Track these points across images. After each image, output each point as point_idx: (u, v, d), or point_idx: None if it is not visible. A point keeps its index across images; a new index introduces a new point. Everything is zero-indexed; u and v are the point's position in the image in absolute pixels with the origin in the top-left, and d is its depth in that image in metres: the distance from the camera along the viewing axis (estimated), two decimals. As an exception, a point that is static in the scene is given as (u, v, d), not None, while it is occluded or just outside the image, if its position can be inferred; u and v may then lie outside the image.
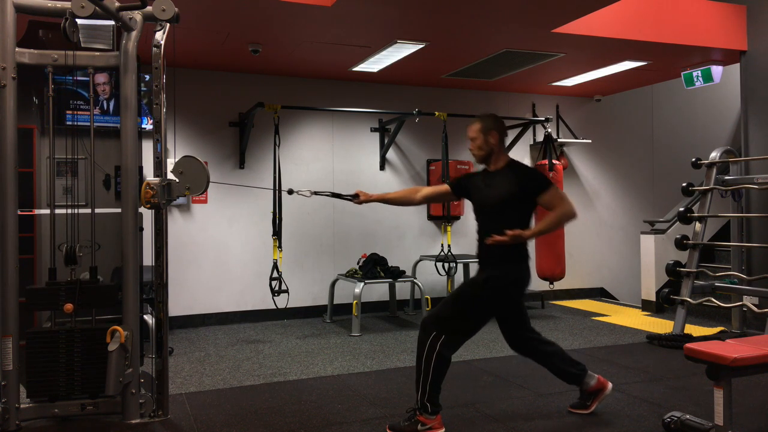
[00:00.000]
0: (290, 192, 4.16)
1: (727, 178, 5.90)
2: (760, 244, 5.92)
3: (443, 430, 3.24)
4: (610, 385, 3.58)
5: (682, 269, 5.67)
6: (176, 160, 3.43)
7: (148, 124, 5.28)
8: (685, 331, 5.45)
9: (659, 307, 6.82)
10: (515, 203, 3.27)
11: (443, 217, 6.57)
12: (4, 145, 3.29)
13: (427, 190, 3.70)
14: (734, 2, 6.30)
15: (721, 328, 5.91)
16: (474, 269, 7.38)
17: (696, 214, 5.78)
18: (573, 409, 3.58)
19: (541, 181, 3.28)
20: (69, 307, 3.32)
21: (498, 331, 5.83)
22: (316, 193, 3.98)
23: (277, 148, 5.80)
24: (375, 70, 6.50)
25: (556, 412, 3.58)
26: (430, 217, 7.35)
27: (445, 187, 3.67)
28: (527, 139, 7.76)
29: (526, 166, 3.44)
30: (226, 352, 5.24)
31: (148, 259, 3.64)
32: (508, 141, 7.55)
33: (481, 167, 3.49)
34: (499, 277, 3.25)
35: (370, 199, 3.68)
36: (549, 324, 6.35)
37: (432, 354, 3.14)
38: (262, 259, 6.53)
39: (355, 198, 3.67)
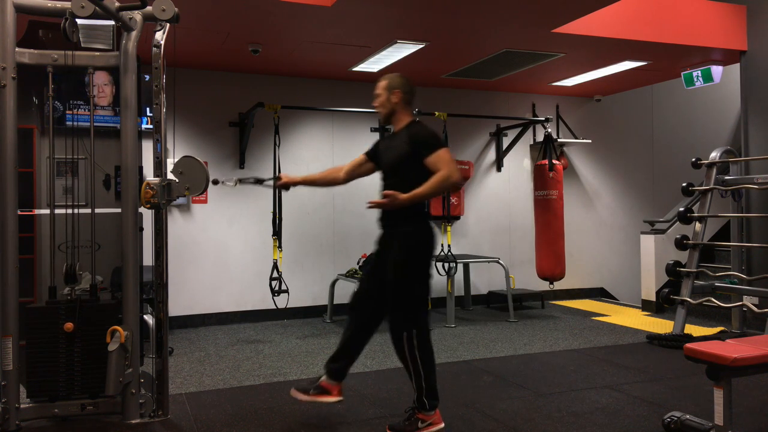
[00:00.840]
0: (215, 182, 3.67)
1: (727, 178, 5.90)
2: (760, 244, 5.92)
3: (442, 425, 3.22)
4: (337, 399, 3.38)
5: (682, 269, 5.67)
6: (176, 160, 3.43)
7: (148, 124, 5.28)
8: (685, 331, 5.45)
9: (659, 307, 6.82)
10: (408, 165, 3.16)
11: (443, 217, 6.57)
12: (4, 145, 3.29)
13: (347, 166, 3.55)
14: (734, 2, 6.30)
15: (721, 328, 5.91)
16: (474, 269, 7.43)
17: (696, 214, 5.78)
18: (297, 391, 3.41)
19: (431, 142, 3.14)
20: (69, 326, 3.33)
21: (498, 331, 5.80)
22: (240, 181, 3.70)
23: (277, 148, 5.80)
24: (375, 70, 6.50)
25: (556, 412, 3.58)
26: (430, 217, 7.34)
27: (361, 156, 3.54)
28: (527, 139, 7.76)
29: (422, 128, 3.25)
30: (226, 352, 5.24)
31: (148, 259, 3.64)
32: (507, 141, 7.63)
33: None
34: (406, 234, 3.16)
35: (292, 182, 3.55)
36: (549, 324, 6.35)
37: (418, 350, 3.14)
38: (262, 259, 6.53)
39: (278, 181, 3.56)
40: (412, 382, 3.20)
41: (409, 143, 3.18)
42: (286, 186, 3.61)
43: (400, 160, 3.21)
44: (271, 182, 3.64)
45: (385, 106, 3.29)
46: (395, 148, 3.26)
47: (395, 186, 3.12)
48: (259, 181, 3.69)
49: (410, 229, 3.21)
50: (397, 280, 3.17)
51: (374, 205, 3.11)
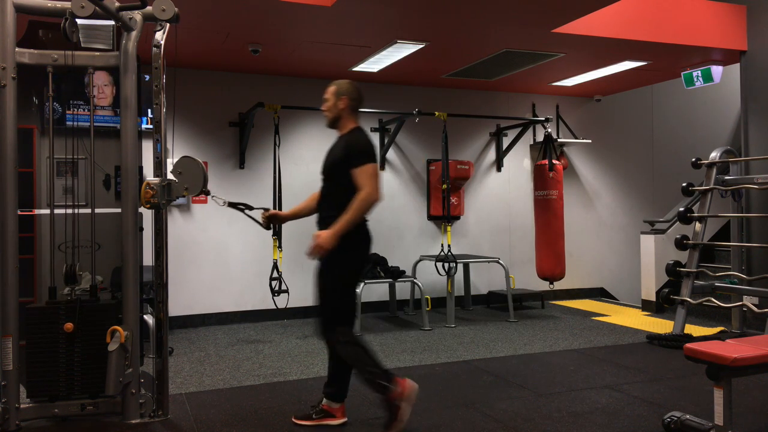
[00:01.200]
0: (207, 193, 3.56)
1: (727, 178, 5.90)
2: (760, 244, 5.92)
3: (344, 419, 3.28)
4: (343, 420, 3.39)
5: (682, 269, 5.67)
6: (175, 160, 3.43)
7: (148, 124, 5.27)
8: (685, 331, 5.45)
9: (659, 307, 6.81)
10: (342, 171, 3.21)
11: (443, 217, 6.57)
12: (4, 145, 3.29)
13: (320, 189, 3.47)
14: (734, 2, 6.31)
15: (721, 328, 5.91)
16: (474, 269, 7.43)
17: (696, 214, 5.78)
18: (298, 420, 3.42)
19: (358, 155, 3.18)
20: (69, 326, 3.33)
21: (498, 331, 5.81)
22: (230, 204, 3.59)
23: (277, 148, 5.80)
24: (375, 70, 6.50)
25: (556, 412, 3.58)
26: (430, 217, 7.35)
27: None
28: (527, 139, 7.76)
29: (361, 136, 3.30)
30: (226, 352, 5.24)
31: (148, 259, 3.64)
32: (507, 141, 7.63)
33: None
34: (343, 243, 3.16)
35: (278, 218, 3.56)
36: (549, 324, 6.35)
37: (352, 345, 3.19)
38: (262, 259, 6.53)
39: (265, 212, 3.49)
40: (363, 378, 3.22)
41: (344, 149, 3.27)
42: (270, 221, 3.53)
43: (334, 165, 3.29)
44: (258, 213, 3.55)
45: (332, 111, 3.39)
46: (333, 153, 3.36)
47: (330, 190, 3.26)
48: (248, 208, 3.60)
49: (349, 233, 3.21)
50: (323, 283, 3.28)
51: (312, 256, 3.18)
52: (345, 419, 3.40)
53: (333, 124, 3.42)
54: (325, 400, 3.42)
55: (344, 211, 3.13)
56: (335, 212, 3.17)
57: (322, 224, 3.28)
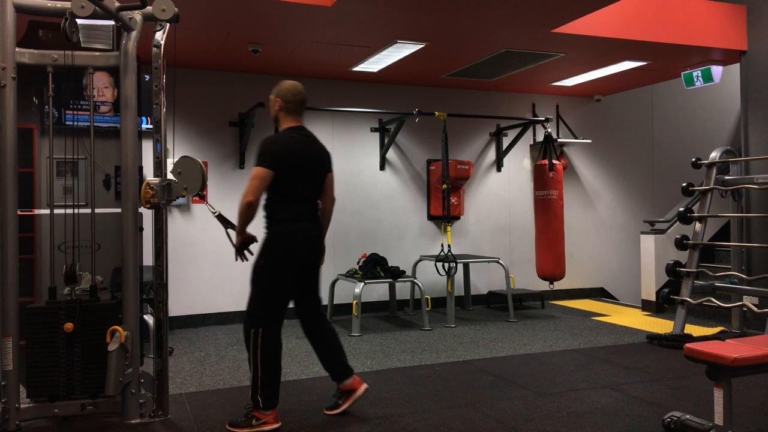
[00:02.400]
0: (202, 197, 3.69)
1: (727, 178, 5.90)
2: (760, 244, 5.92)
3: (277, 425, 3.31)
4: (364, 386, 3.59)
5: (682, 269, 5.67)
6: (175, 160, 3.43)
7: (148, 124, 5.28)
8: (685, 331, 5.45)
9: (659, 307, 6.82)
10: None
11: (443, 217, 6.57)
12: (4, 145, 3.29)
13: None
14: (734, 2, 6.31)
15: (721, 328, 5.91)
16: (474, 269, 7.43)
17: (696, 214, 5.78)
18: (329, 411, 3.58)
19: (257, 155, 3.33)
20: (69, 326, 3.33)
21: (498, 331, 5.81)
22: (218, 217, 3.63)
23: (277, 148, 5.78)
24: (375, 70, 6.50)
25: (556, 412, 3.58)
26: (430, 217, 7.35)
27: None
28: (527, 139, 7.76)
29: (266, 138, 3.42)
30: (226, 352, 5.24)
31: (148, 259, 3.64)
32: (507, 141, 7.63)
33: None
34: (263, 240, 3.41)
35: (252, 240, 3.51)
36: (549, 324, 6.35)
37: (256, 349, 3.27)
38: (262, 259, 6.52)
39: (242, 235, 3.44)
40: (251, 380, 3.34)
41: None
42: (246, 243, 3.48)
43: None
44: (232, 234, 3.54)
45: (271, 111, 3.51)
46: None
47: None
48: (231, 227, 3.56)
49: (265, 236, 3.44)
50: (251, 280, 3.46)
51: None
52: (365, 385, 3.59)
53: (274, 122, 3.55)
54: (338, 383, 3.57)
55: (264, 214, 3.40)
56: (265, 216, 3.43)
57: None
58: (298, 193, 3.39)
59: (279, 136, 3.47)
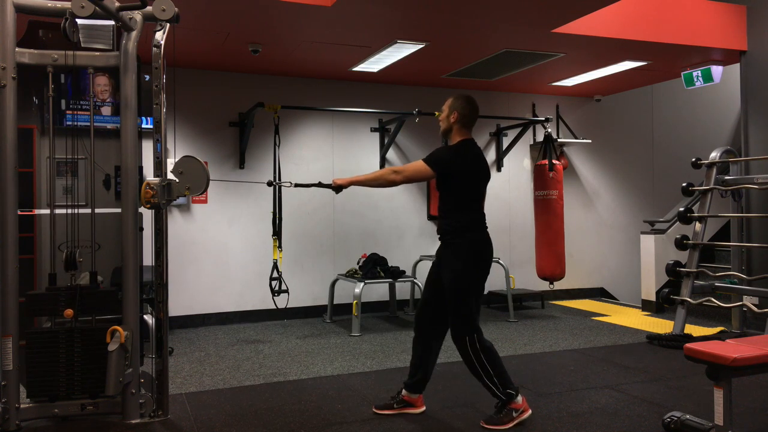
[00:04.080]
0: (270, 184, 4.47)
1: (727, 178, 5.90)
2: (760, 244, 5.92)
3: (530, 411, 3.40)
4: (423, 408, 3.60)
5: (682, 269, 5.67)
6: (176, 160, 3.43)
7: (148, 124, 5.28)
8: (685, 331, 5.45)
9: (659, 307, 6.82)
10: (438, 180, 3.46)
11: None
12: (4, 145, 3.29)
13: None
14: (734, 2, 6.30)
15: (721, 328, 5.91)
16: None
17: (696, 214, 5.78)
18: (378, 409, 3.61)
19: (430, 156, 3.43)
20: (69, 312, 3.33)
21: (498, 331, 5.81)
22: (298, 185, 4.01)
23: (277, 148, 5.80)
24: (375, 70, 6.50)
25: (556, 412, 3.58)
26: (430, 217, 7.35)
27: None
28: (527, 139, 7.76)
29: (448, 147, 3.53)
30: (226, 352, 5.24)
31: (148, 259, 3.64)
32: (507, 141, 7.63)
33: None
34: (458, 245, 3.40)
35: (345, 183, 3.61)
36: (549, 324, 6.35)
37: (483, 354, 3.30)
38: (262, 259, 6.53)
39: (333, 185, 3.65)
40: (482, 383, 3.35)
41: None
42: (338, 187, 3.64)
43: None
44: (328, 186, 3.71)
45: (444, 122, 3.55)
46: None
47: (439, 198, 3.61)
48: (318, 185, 3.85)
49: (457, 243, 3.41)
50: (453, 289, 3.38)
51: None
52: (424, 408, 3.61)
53: (445, 134, 3.59)
54: (404, 391, 3.59)
55: (446, 218, 3.44)
56: (442, 220, 3.48)
57: (441, 234, 3.51)
58: (481, 204, 3.51)
59: (462, 147, 3.47)
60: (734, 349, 2.92)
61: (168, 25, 3.47)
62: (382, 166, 7.14)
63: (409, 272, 6.87)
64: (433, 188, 7.27)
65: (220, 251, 6.51)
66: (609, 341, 5.52)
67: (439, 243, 3.54)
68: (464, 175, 3.39)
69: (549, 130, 7.07)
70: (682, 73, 6.80)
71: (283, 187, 4.04)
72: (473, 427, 3.36)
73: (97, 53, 3.51)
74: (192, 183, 3.39)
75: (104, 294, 3.49)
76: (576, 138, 7.83)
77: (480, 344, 3.32)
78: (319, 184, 3.85)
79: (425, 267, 6.99)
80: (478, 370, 3.33)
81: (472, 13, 4.81)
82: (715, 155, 5.88)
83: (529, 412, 3.39)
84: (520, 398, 3.36)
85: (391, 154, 7.19)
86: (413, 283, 6.74)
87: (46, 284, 3.46)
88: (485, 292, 3.87)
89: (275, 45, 5.57)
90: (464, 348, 3.32)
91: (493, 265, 3.69)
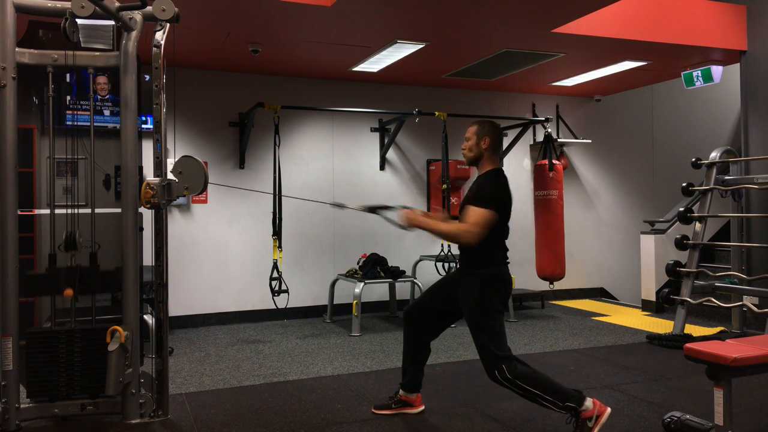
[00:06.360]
0: (337, 205, 4.04)
1: (727, 178, 5.90)
2: (760, 244, 5.92)
3: (608, 409, 3.12)
4: (422, 407, 3.60)
5: (682, 269, 5.67)
6: (175, 160, 3.43)
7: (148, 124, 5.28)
8: (685, 331, 5.45)
9: (659, 307, 6.82)
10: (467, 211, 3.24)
11: (443, 217, 6.56)
12: (4, 145, 3.29)
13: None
14: (734, 2, 6.30)
15: (721, 328, 5.91)
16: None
17: (696, 214, 5.78)
18: (377, 409, 3.61)
19: (478, 195, 3.16)
20: (69, 292, 3.32)
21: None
22: (369, 209, 3.58)
23: (277, 148, 5.80)
24: (375, 70, 6.50)
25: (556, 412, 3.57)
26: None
27: None
28: (527, 139, 7.76)
29: (491, 180, 3.25)
30: (226, 352, 5.24)
31: (148, 259, 3.64)
32: (507, 141, 7.63)
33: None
34: (478, 287, 3.21)
35: (416, 224, 3.31)
36: (549, 324, 6.35)
37: (521, 381, 3.10)
38: (262, 259, 6.53)
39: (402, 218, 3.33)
40: (542, 406, 3.16)
41: (475, 190, 3.27)
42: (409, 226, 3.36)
43: (465, 204, 3.27)
44: (394, 214, 3.40)
45: (473, 150, 3.29)
46: (468, 192, 3.34)
47: None
48: (385, 211, 3.50)
49: (478, 276, 3.22)
50: (475, 324, 3.21)
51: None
52: (423, 407, 3.60)
53: (473, 162, 3.34)
54: (401, 391, 3.58)
55: (470, 253, 3.24)
56: (463, 252, 3.30)
57: (464, 261, 3.35)
58: (505, 237, 3.30)
59: (503, 178, 3.28)
60: (734, 349, 2.92)
61: (168, 25, 3.47)
62: (382, 166, 7.15)
63: (409, 272, 6.87)
64: (433, 188, 7.27)
65: (220, 251, 6.51)
66: (609, 341, 5.52)
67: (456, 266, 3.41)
68: (505, 209, 3.21)
69: (549, 130, 7.07)
70: (682, 73, 6.80)
71: (334, 207, 3.58)
72: (473, 427, 3.36)
73: (97, 53, 3.51)
74: (190, 183, 3.38)
75: (104, 274, 3.50)
76: (576, 138, 7.83)
77: (511, 372, 3.08)
78: (387, 216, 3.47)
79: (425, 267, 7.02)
80: (528, 396, 3.15)
81: (472, 13, 4.81)
82: (715, 155, 5.88)
83: (607, 410, 3.09)
84: (589, 403, 3.08)
85: (391, 154, 7.19)
86: (413, 283, 6.73)
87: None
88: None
89: (275, 45, 5.57)
90: (500, 382, 3.14)
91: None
